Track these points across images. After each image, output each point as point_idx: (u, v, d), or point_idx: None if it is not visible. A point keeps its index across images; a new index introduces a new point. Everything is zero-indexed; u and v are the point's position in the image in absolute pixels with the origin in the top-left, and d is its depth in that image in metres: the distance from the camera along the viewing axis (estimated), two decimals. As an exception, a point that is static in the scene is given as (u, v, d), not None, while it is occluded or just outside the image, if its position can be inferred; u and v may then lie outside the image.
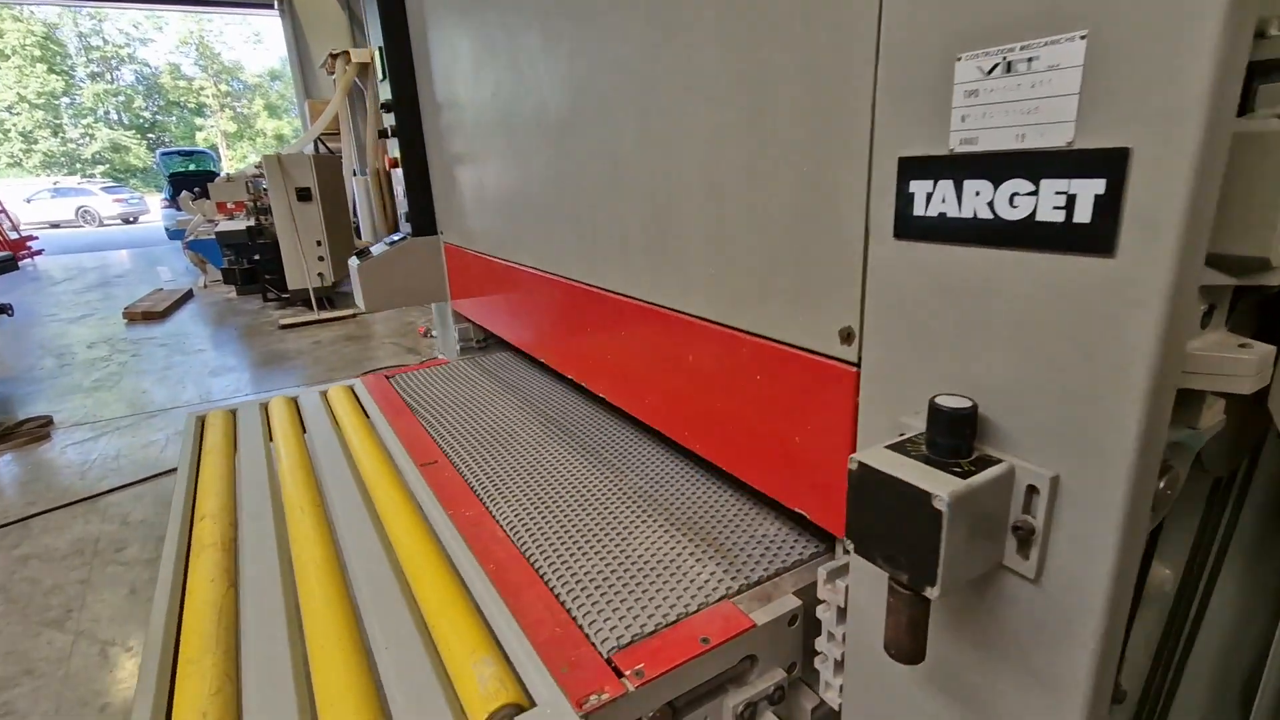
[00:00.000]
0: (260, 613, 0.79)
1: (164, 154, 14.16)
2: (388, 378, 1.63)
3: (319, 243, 5.97)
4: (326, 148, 8.25)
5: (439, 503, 1.02)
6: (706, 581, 0.80)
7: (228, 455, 1.24)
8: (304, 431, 1.36)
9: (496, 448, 1.21)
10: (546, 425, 1.31)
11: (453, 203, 1.64)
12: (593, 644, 0.71)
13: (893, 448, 0.50)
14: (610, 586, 0.80)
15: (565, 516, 0.96)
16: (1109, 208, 0.40)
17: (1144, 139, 0.38)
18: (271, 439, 1.32)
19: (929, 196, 0.50)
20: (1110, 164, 0.39)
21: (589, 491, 1.03)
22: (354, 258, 1.78)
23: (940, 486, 0.44)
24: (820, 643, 0.72)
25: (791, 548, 0.86)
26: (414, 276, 1.77)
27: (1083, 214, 0.41)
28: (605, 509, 0.98)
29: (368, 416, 1.40)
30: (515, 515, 0.97)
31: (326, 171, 6.08)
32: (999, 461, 0.47)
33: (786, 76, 0.61)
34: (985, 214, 0.46)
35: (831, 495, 0.67)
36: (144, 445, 3.17)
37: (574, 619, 0.75)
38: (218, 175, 11.50)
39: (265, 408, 1.48)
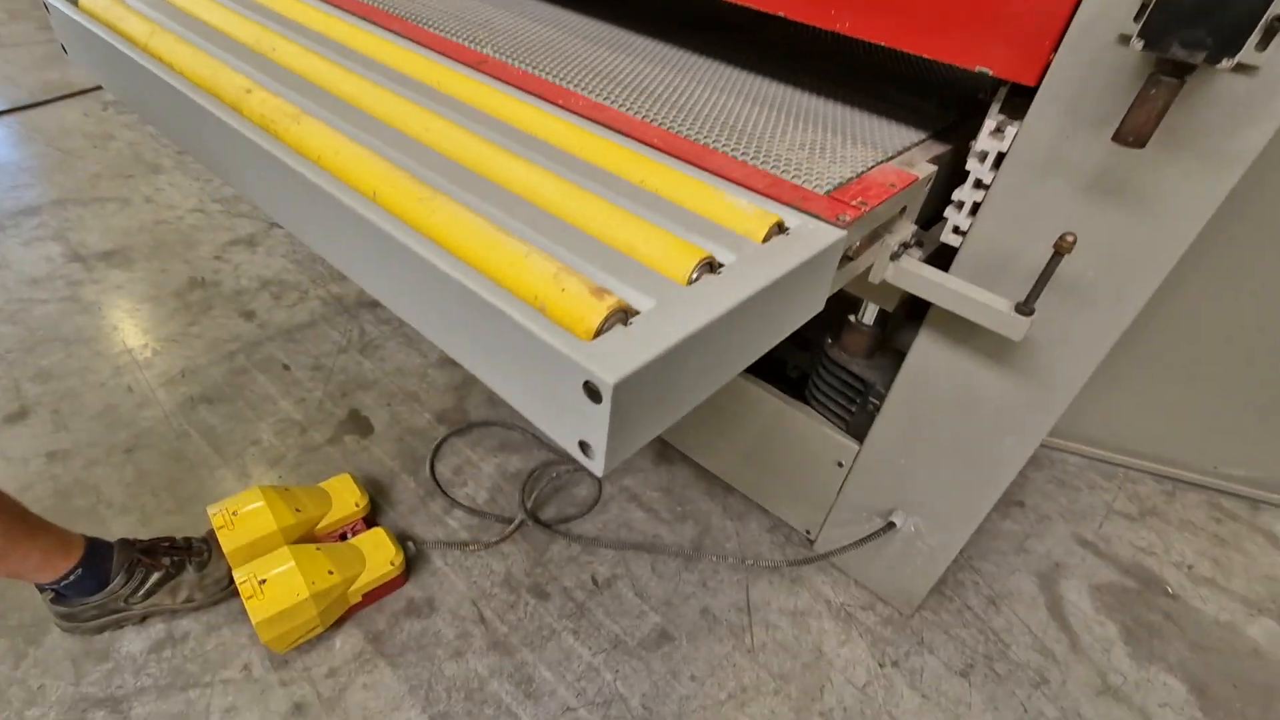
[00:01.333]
0: (432, 167, 0.70)
1: None
2: (315, -20, 1.26)
3: None
4: None
5: (533, 95, 0.92)
6: (858, 155, 0.88)
7: (168, 35, 0.92)
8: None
9: (542, 53, 1.07)
10: (579, 38, 1.18)
11: None
12: (807, 188, 0.77)
13: (1203, -51, 0.58)
14: (782, 157, 0.84)
15: (687, 105, 0.94)
16: None
17: None
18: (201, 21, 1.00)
19: None
20: None
21: (688, 92, 1.01)
22: None
23: (1283, -38, 0.54)
24: (962, 191, 0.87)
25: (907, 136, 0.96)
26: None
27: None
28: (718, 105, 0.97)
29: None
30: (632, 105, 0.92)
31: None
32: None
33: None
34: None
35: (1027, 45, 0.75)
36: None
37: (774, 173, 0.79)
38: None
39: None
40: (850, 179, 0.81)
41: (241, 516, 1.10)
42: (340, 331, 1.71)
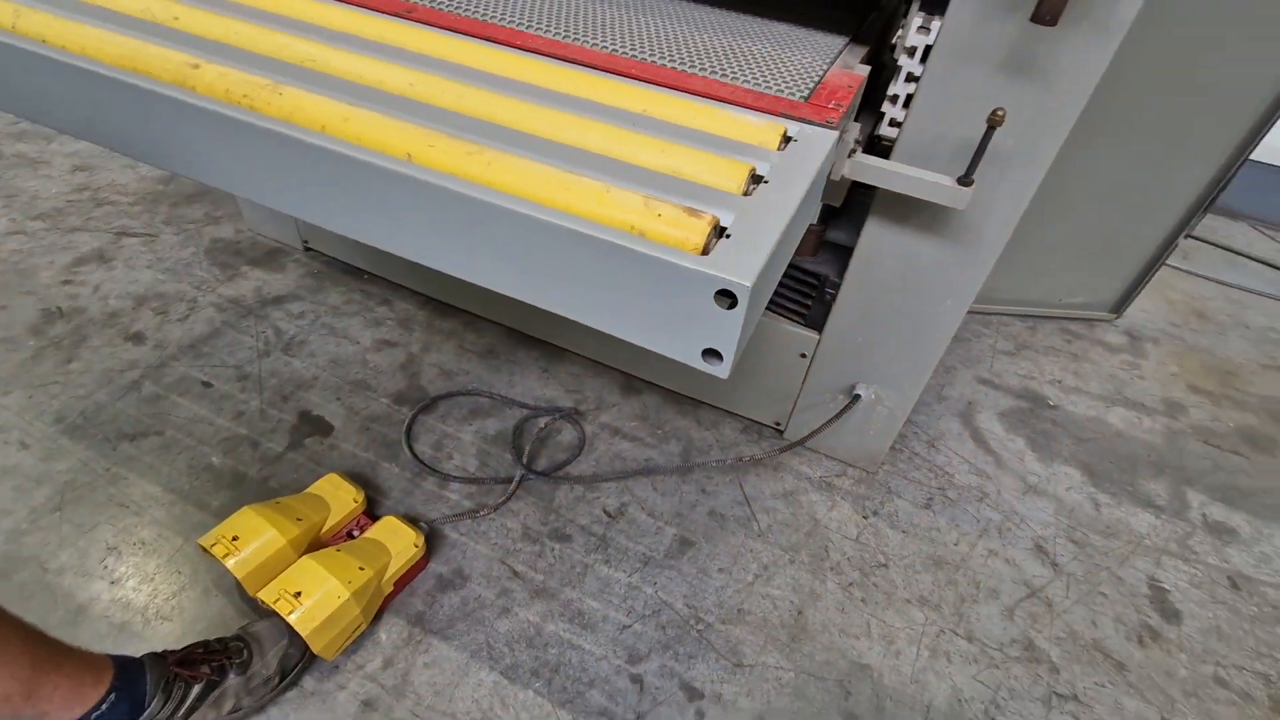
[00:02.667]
0: (448, 122, 0.68)
1: None
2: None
3: None
4: None
5: (481, 38, 0.89)
6: (806, 62, 0.96)
7: (40, 15, 0.78)
8: None
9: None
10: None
11: None
12: (788, 98, 0.84)
13: None
14: (746, 71, 0.90)
15: (626, 30, 0.96)
16: None
17: None
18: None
19: None
20: None
21: (619, 18, 1.02)
22: None
23: None
24: (897, 84, 0.98)
25: (833, 41, 1.05)
26: None
27: None
28: (653, 28, 1.00)
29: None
30: (578, 36, 0.93)
31: None
32: None
33: None
34: None
35: (944, -52, 0.85)
36: None
37: (751, 88, 0.85)
38: None
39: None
40: (815, 85, 0.89)
41: (244, 539, 1.02)
42: (252, 335, 1.56)
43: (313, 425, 1.39)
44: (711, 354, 0.57)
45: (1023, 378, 1.80)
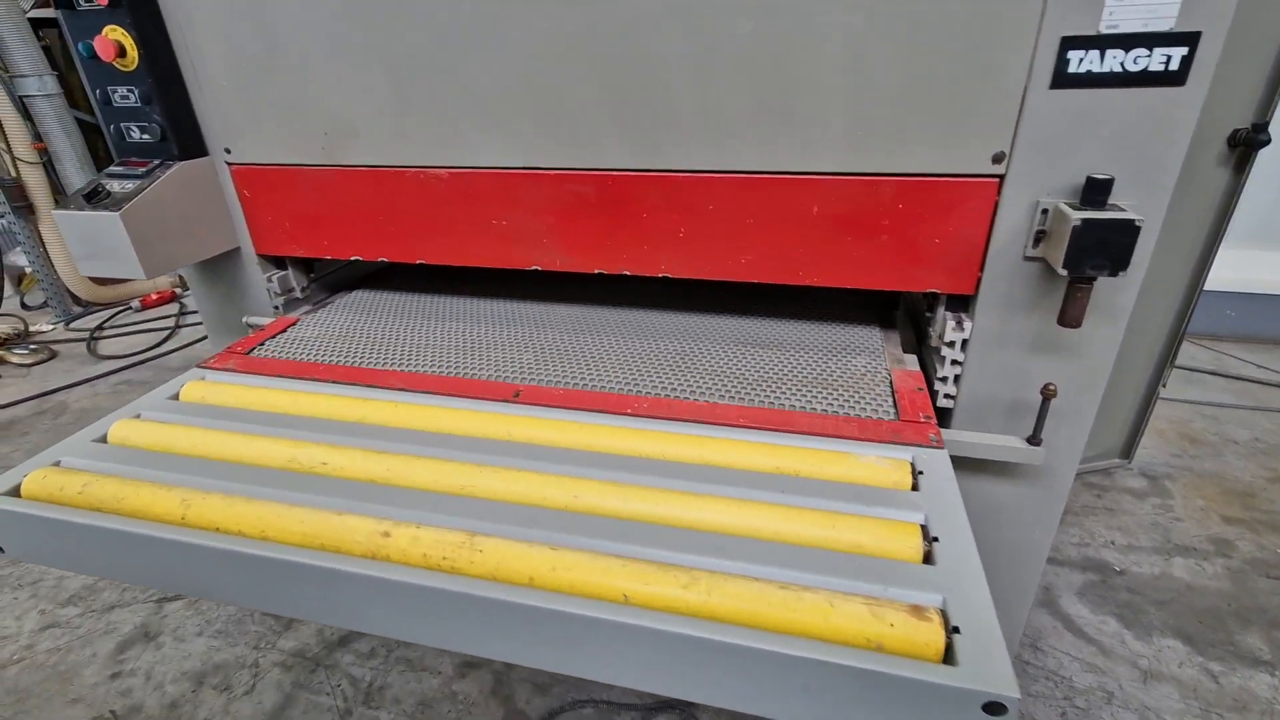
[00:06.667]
0: (636, 539, 0.74)
1: None
2: (245, 352, 1.20)
3: None
4: None
5: (594, 410, 0.99)
6: (866, 365, 1.10)
7: (210, 499, 0.83)
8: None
9: (560, 365, 1.15)
10: (579, 333, 1.28)
11: (261, 100, 1.21)
12: (883, 419, 0.95)
13: (1070, 207, 0.90)
14: (828, 391, 1.02)
15: (715, 369, 1.09)
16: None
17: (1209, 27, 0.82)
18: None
19: (1080, 60, 0.87)
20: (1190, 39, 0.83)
21: (701, 355, 1.16)
22: (79, 207, 1.15)
23: (1132, 216, 0.86)
24: (944, 369, 1.11)
25: (869, 334, 1.22)
26: (193, 220, 1.26)
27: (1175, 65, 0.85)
28: (733, 360, 1.14)
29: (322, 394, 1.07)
30: (678, 387, 1.04)
31: None
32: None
33: (955, -24, 0.87)
34: (1115, 68, 0.86)
35: (961, 270, 1.04)
36: None
37: (847, 414, 0.96)
38: None
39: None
40: (893, 398, 1.01)
41: None
42: (328, 693, 1.47)
43: (419, 794, 1.28)
44: (978, 754, 0.59)
45: (1079, 546, 1.86)
